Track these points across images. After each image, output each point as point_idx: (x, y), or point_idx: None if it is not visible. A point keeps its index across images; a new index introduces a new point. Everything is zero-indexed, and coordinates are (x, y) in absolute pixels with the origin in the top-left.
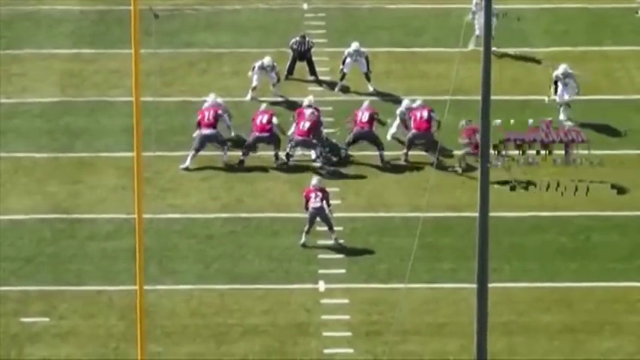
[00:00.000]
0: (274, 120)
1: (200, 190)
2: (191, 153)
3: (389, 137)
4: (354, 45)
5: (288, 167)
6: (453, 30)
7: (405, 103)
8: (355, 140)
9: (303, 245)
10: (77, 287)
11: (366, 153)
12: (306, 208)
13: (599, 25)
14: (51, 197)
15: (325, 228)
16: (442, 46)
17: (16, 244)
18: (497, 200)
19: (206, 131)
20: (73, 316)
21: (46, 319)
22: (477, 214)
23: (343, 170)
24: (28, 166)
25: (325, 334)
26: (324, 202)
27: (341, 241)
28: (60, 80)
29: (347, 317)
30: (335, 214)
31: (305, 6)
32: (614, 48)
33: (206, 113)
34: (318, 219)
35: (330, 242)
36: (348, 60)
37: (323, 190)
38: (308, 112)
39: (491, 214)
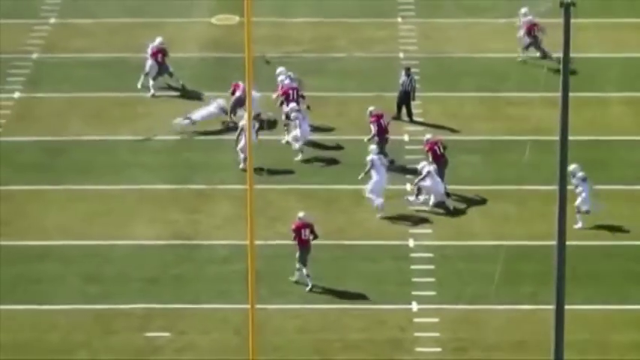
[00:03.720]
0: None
1: None
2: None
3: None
4: None
5: (384, 197)
6: (533, 76)
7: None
8: None
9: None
10: (196, 305)
11: (455, 187)
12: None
13: None
14: (172, 225)
15: (419, 254)
16: (524, 91)
17: (141, 267)
18: (574, 230)
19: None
20: (192, 332)
21: (168, 334)
22: (554, 243)
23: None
24: (152, 197)
25: (417, 349)
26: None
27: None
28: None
29: (437, 334)
30: (426, 242)
31: (401, 55)
32: None
33: (290, 92)
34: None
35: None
36: None
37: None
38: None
39: (568, 242)
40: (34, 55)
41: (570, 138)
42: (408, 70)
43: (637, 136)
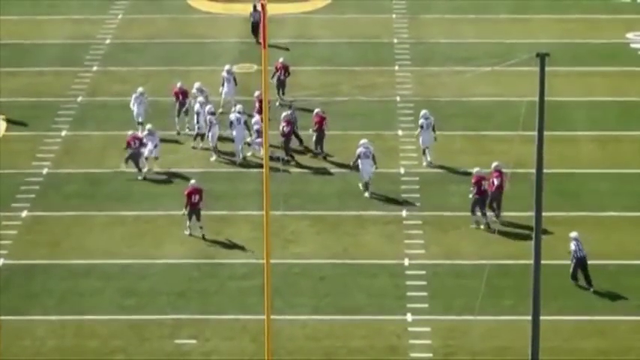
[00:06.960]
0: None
1: (315, 241)
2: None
3: None
4: None
5: (383, 222)
6: (513, 117)
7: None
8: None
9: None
10: (219, 316)
11: (445, 213)
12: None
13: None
14: (198, 245)
15: (413, 271)
16: (505, 130)
17: (171, 282)
18: (549, 249)
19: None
20: (216, 339)
21: (194, 341)
22: (531, 262)
23: (427, 225)
24: (181, 222)
25: (412, 354)
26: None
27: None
28: (203, 154)
29: (429, 342)
30: (420, 261)
31: (398, 98)
32: None
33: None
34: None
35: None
36: None
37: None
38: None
39: (543, 261)
40: (79, 99)
41: (545, 171)
42: (290, 106)
43: (603, 169)
